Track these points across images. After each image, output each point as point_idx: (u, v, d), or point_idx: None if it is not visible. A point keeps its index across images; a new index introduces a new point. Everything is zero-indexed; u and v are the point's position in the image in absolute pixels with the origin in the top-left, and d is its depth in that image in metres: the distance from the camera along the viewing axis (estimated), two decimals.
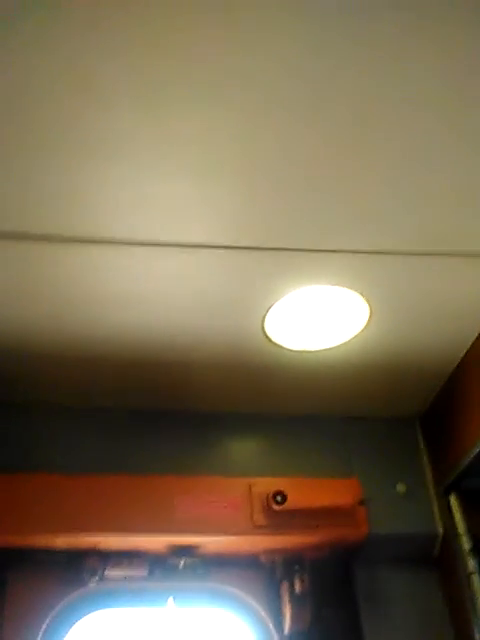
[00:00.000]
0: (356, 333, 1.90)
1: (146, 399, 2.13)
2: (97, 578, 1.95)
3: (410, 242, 1.62)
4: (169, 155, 1.37)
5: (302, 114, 1.31)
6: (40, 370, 1.98)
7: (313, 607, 1.99)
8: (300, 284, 1.72)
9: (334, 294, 1.77)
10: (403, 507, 2.10)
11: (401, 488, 2.13)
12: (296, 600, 1.99)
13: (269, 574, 2.09)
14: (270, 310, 1.79)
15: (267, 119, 1.31)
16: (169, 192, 1.44)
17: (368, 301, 1.78)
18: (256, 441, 2.22)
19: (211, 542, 1.96)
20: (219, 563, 2.04)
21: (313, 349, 1.95)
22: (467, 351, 1.99)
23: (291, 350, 1.94)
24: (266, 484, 1.99)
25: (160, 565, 2.00)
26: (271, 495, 1.95)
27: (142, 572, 1.98)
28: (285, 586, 2.03)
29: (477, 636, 1.88)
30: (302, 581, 2.01)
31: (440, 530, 2.08)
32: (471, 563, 1.97)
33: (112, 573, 1.97)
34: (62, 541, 1.90)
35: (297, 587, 2.00)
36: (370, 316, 1.84)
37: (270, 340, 1.90)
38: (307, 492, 1.98)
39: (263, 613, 2.04)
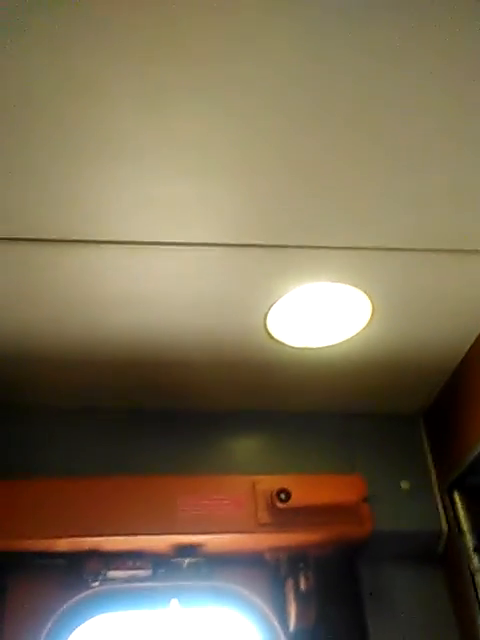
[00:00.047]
0: (359, 330, 1.89)
1: (147, 399, 2.13)
2: (99, 580, 1.94)
3: (412, 239, 1.61)
4: (170, 157, 1.37)
5: (302, 115, 1.30)
6: (40, 372, 1.97)
7: (318, 604, 1.99)
8: (302, 281, 1.71)
9: (336, 291, 1.76)
10: (407, 504, 2.09)
11: (405, 485, 2.13)
12: (301, 598, 1.98)
13: (274, 572, 2.08)
14: (272, 308, 1.78)
15: (268, 121, 1.31)
16: (170, 193, 1.44)
17: (370, 298, 1.78)
18: (259, 439, 2.21)
19: (215, 541, 1.95)
20: (223, 562, 2.03)
21: (316, 346, 1.95)
22: (470, 347, 1.98)
23: (294, 347, 1.94)
24: (270, 482, 1.98)
25: (163, 565, 1.99)
26: (275, 493, 1.94)
27: (145, 573, 1.97)
28: (290, 584, 2.02)
29: None
30: (307, 578, 2.00)
31: (444, 527, 2.07)
32: (476, 560, 1.97)
33: (114, 574, 1.96)
34: (64, 544, 1.89)
35: (302, 585, 1.99)
36: (372, 313, 1.83)
37: (272, 338, 1.89)
38: (311, 489, 1.97)
39: (268, 611, 2.03)
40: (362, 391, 2.16)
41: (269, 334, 1.88)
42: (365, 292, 1.75)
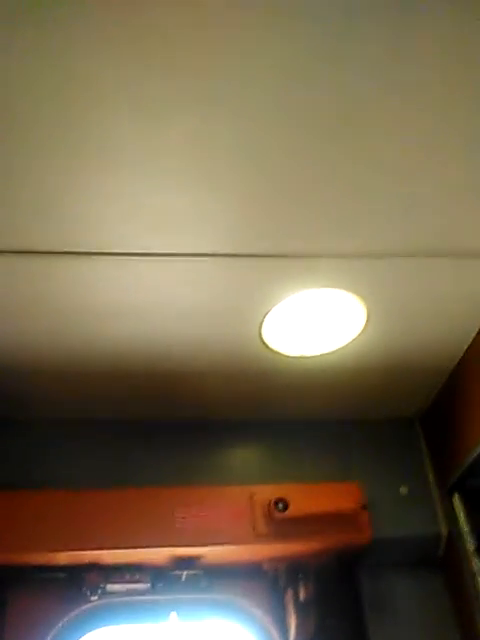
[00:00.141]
0: (354, 336, 1.88)
1: (144, 410, 2.11)
2: (98, 593, 1.93)
3: (405, 244, 1.60)
4: (162, 168, 1.36)
5: (294, 126, 1.30)
6: (37, 385, 1.96)
7: (318, 615, 1.97)
8: (296, 289, 1.70)
9: (330, 297, 1.75)
10: (406, 509, 2.09)
11: (404, 490, 2.12)
12: (301, 608, 1.97)
13: (273, 583, 2.07)
14: (267, 316, 1.77)
15: (260, 128, 1.30)
16: (162, 203, 1.43)
17: (365, 303, 1.77)
18: (256, 448, 2.20)
19: (213, 552, 1.94)
20: (222, 573, 2.02)
21: (312, 354, 1.93)
22: (466, 349, 1.97)
23: (289, 356, 1.93)
24: (267, 492, 1.96)
25: (162, 578, 1.98)
26: (273, 503, 1.93)
27: (144, 586, 1.96)
28: (289, 594, 2.01)
29: None
30: (306, 588, 1.99)
31: (444, 531, 2.07)
32: (476, 563, 1.96)
33: (113, 588, 1.94)
34: (63, 557, 1.87)
35: (301, 594, 1.98)
36: (367, 319, 1.82)
37: (268, 347, 1.88)
38: (309, 498, 1.96)
39: (268, 622, 2.02)
40: (359, 397, 2.15)
41: (264, 343, 1.86)
42: (359, 297, 1.74)
